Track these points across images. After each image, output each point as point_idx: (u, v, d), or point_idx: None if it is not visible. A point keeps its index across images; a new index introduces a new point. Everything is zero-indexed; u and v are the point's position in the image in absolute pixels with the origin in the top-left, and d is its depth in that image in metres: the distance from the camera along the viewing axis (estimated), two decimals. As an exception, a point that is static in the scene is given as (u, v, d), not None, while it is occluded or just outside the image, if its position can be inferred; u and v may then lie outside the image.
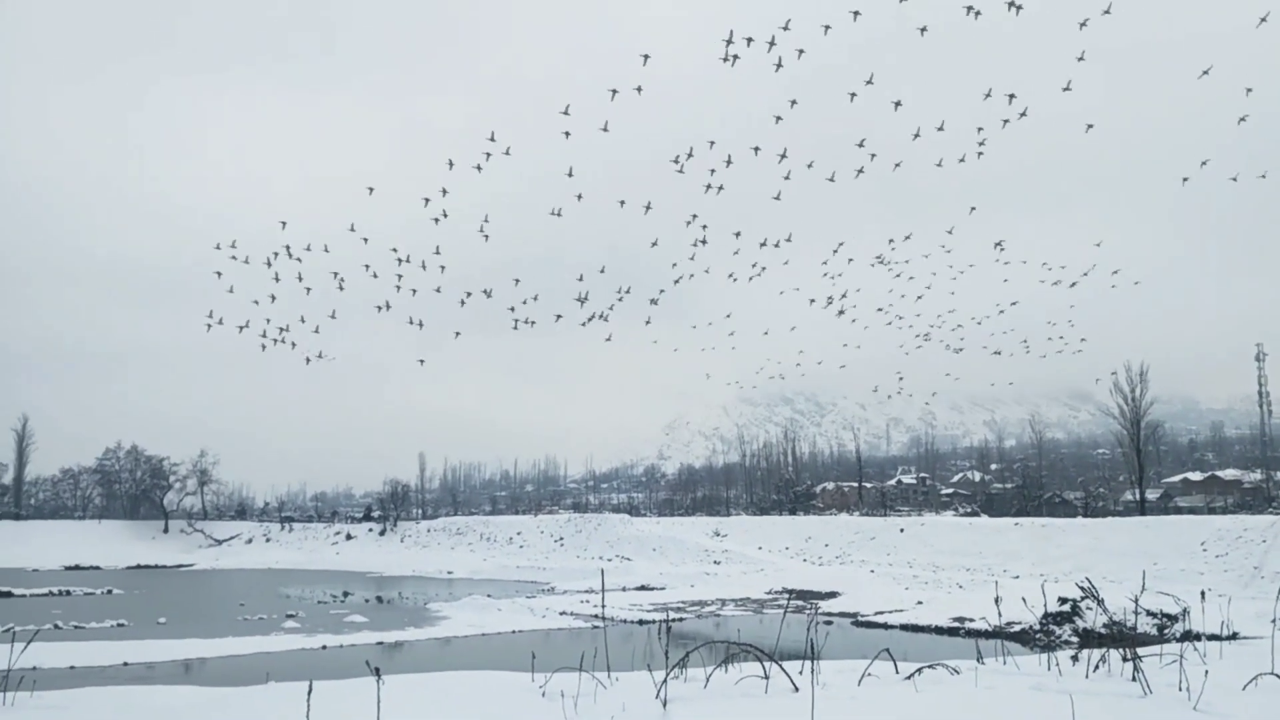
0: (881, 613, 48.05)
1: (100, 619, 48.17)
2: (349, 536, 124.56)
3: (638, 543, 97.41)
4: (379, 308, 46.60)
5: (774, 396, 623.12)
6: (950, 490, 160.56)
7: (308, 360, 47.00)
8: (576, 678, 14.93)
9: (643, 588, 67.61)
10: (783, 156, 41.15)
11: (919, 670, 16.55)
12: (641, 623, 45.33)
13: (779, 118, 40.17)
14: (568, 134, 39.48)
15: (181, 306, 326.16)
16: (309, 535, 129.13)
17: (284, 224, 44.74)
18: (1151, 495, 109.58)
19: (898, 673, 16.80)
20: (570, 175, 41.99)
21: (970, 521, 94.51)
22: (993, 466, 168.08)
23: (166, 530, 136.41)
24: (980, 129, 39.80)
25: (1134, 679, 15.17)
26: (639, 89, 37.21)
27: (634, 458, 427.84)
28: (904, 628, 43.11)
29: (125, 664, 33.21)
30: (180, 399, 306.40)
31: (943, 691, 15.41)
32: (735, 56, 33.83)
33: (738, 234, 46.12)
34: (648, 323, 50.92)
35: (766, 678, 15.39)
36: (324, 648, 38.09)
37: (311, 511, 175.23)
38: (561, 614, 50.11)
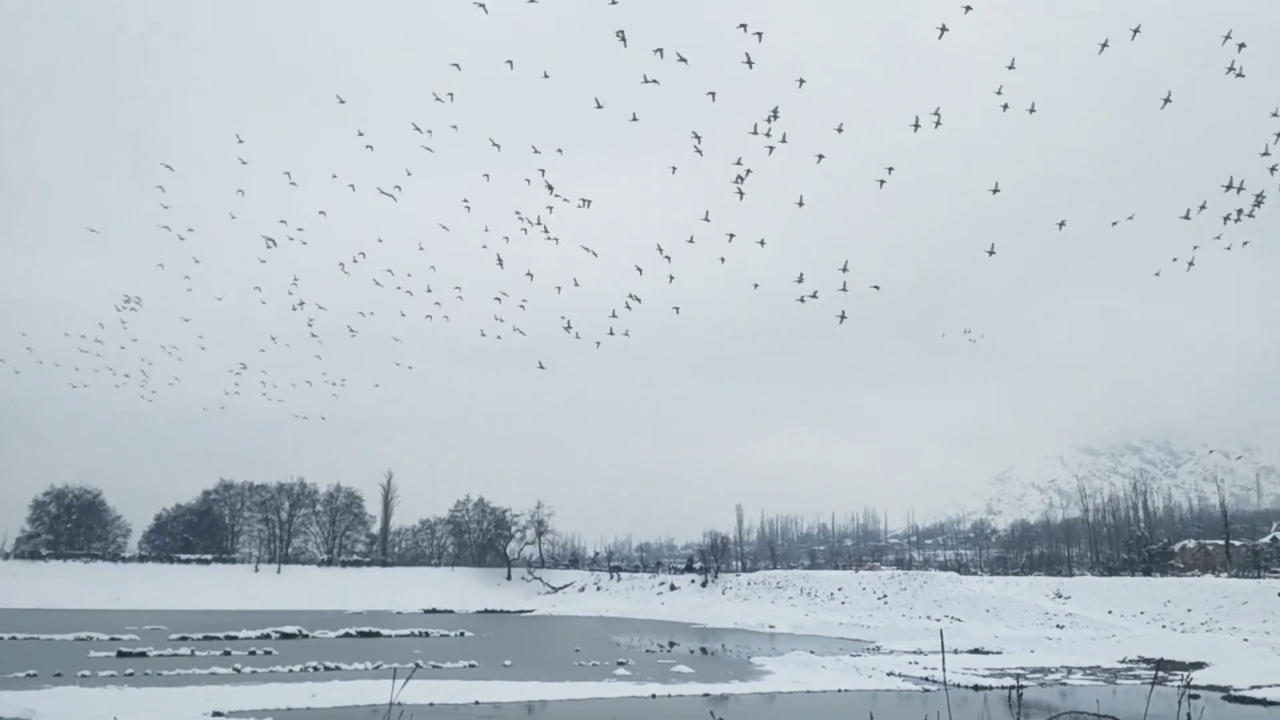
0: (1259, 687, 41.90)
1: (454, 659, 52.28)
2: (672, 587, 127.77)
3: (968, 603, 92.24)
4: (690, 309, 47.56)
5: (1118, 445, 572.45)
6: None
7: None
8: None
9: (976, 651, 63.61)
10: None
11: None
12: (977, 688, 42.51)
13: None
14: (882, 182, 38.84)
15: (520, 369, 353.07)
16: (635, 585, 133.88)
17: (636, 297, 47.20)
18: None
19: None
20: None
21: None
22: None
23: (509, 577, 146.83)
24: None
25: None
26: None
27: (959, 512, 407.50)
28: (1292, 708, 37.33)
29: (476, 703, 35.71)
30: (519, 453, 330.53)
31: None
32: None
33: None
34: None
35: (1133, 758, 13.77)
36: (653, 696, 38.96)
37: (637, 561, 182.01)
38: (889, 674, 48.13)
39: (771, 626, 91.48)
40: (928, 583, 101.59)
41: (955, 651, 62.25)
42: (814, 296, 44.28)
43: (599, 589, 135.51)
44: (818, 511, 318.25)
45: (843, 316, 43.20)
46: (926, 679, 45.54)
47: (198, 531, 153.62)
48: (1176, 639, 68.86)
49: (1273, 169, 34.68)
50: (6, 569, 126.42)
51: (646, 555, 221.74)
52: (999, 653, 62.69)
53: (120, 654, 51.41)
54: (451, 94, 40.20)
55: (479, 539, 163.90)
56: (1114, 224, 41.79)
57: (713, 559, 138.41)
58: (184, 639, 61.89)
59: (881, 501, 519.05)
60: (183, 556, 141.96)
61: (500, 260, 47.82)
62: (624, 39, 33.59)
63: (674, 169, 43.17)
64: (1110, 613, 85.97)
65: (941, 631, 15.17)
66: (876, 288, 43.00)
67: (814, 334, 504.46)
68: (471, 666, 49.35)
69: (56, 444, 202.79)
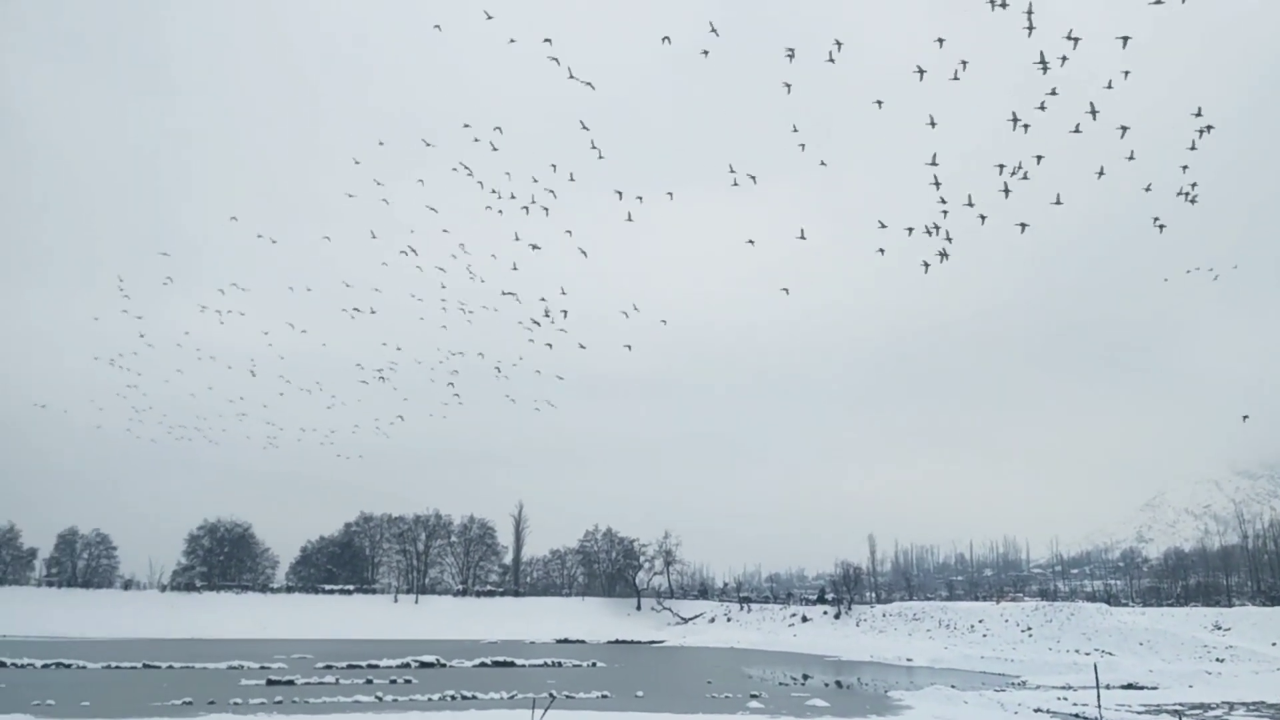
0: None
1: (587, 690, 52.51)
2: (805, 619, 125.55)
3: (1119, 635, 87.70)
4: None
5: (1278, 467, 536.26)
6: None
7: None
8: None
9: (1129, 686, 60.28)
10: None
11: None
12: (1133, 726, 40.25)
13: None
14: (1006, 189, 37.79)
15: (645, 403, 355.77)
16: (766, 616, 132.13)
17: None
18: None
19: None
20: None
21: None
22: None
23: (639, 608, 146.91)
24: None
25: None
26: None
27: (1106, 540, 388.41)
28: None
29: (611, 734, 35.78)
30: (645, 483, 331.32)
31: None
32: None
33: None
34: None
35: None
36: (788, 730, 38.28)
37: (767, 592, 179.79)
38: (1036, 711, 46.01)
39: (909, 660, 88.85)
40: (1075, 614, 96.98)
41: (1107, 687, 59.06)
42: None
43: (729, 620, 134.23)
44: (955, 541, 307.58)
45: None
46: (1077, 716, 43.39)
47: (340, 563, 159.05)
48: (1355, 675, 63.97)
49: None
50: (164, 600, 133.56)
51: (776, 586, 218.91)
52: (1154, 688, 59.27)
53: (270, 682, 53.51)
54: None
55: (608, 569, 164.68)
56: None
57: (845, 590, 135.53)
58: (329, 668, 63.98)
59: (1023, 530, 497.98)
60: (326, 587, 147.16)
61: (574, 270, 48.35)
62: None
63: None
64: (1275, 645, 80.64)
65: (1095, 665, 14.35)
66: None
67: (948, 356, 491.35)
68: (604, 697, 49.44)
69: (208, 479, 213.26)
